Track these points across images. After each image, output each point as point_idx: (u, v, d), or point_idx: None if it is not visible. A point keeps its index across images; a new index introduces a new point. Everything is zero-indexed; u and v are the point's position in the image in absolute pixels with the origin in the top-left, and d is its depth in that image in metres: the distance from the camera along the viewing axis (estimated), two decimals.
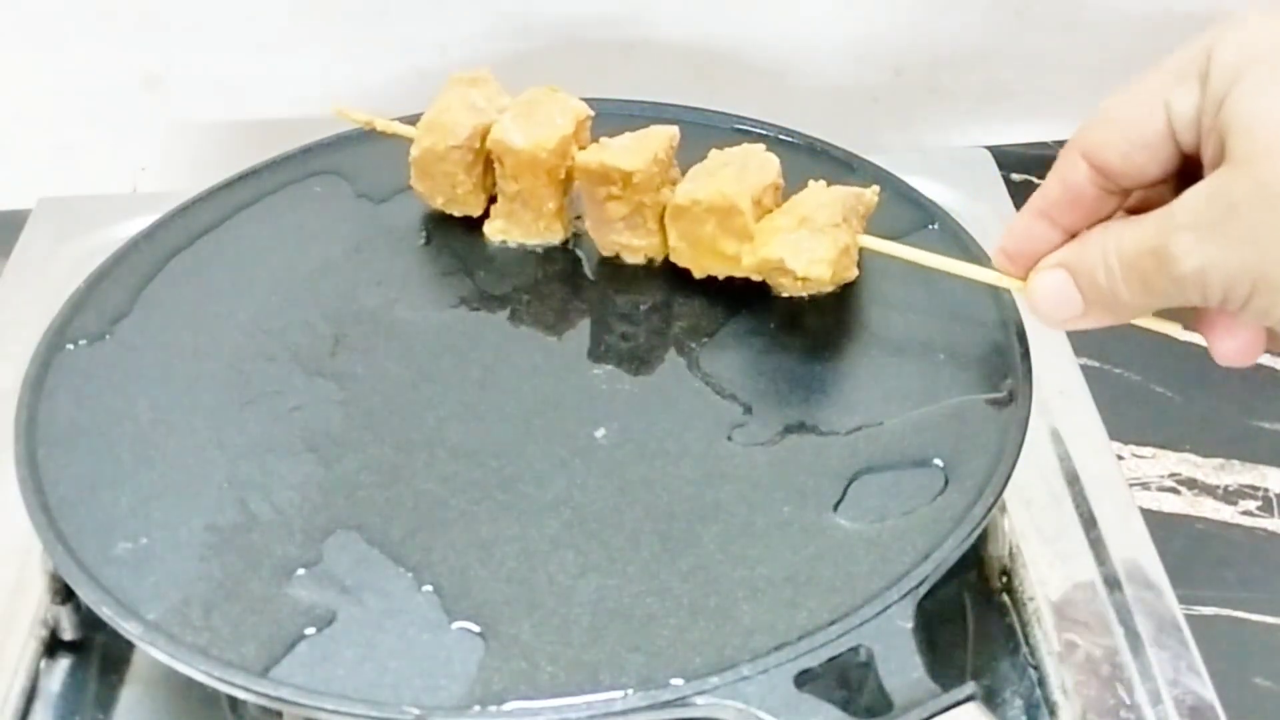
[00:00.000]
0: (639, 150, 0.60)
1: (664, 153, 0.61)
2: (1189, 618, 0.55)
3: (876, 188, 0.60)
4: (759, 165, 0.59)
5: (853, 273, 0.59)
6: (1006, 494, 0.52)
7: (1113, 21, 0.83)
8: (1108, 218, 0.47)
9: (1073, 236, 0.48)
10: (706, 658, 0.46)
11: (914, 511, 0.50)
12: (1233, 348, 0.46)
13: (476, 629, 0.47)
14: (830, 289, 0.59)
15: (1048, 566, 0.56)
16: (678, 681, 0.45)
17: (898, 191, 0.64)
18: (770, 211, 0.59)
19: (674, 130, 0.61)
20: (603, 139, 0.62)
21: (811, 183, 0.59)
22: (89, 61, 0.80)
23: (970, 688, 0.43)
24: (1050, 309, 0.48)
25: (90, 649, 0.55)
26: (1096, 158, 0.46)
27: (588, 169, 0.60)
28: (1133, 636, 0.54)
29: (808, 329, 0.58)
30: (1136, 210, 0.46)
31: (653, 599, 0.48)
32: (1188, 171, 0.45)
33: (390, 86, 0.81)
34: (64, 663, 0.55)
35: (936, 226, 0.63)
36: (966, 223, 0.63)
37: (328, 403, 0.56)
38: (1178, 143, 0.44)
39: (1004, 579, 0.57)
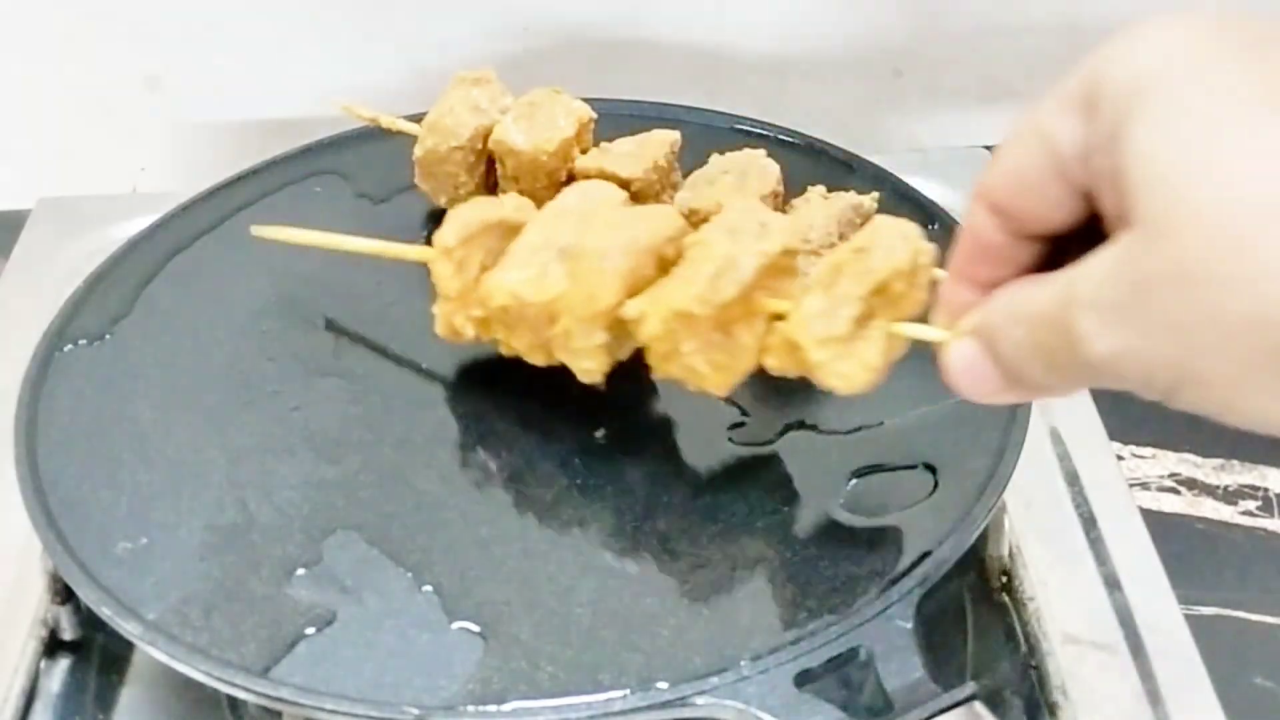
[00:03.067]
0: (639, 157, 0.60)
1: (664, 159, 0.61)
2: (1189, 618, 0.55)
3: (875, 194, 0.60)
4: (759, 173, 0.59)
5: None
6: (1006, 494, 0.52)
7: (1112, 24, 0.83)
8: (1040, 268, 0.39)
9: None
10: (706, 658, 0.46)
11: (914, 511, 0.50)
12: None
13: (476, 629, 0.47)
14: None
15: (1048, 566, 0.56)
16: (678, 682, 0.45)
17: (898, 191, 0.64)
18: None
19: (675, 135, 0.61)
20: (603, 144, 0.62)
21: (810, 190, 0.60)
22: (89, 62, 0.80)
23: (970, 688, 0.43)
24: (964, 386, 0.40)
25: (90, 649, 0.55)
26: (990, 201, 0.39)
27: (587, 174, 0.60)
28: (1133, 636, 0.54)
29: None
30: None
31: (653, 599, 0.48)
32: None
33: (390, 86, 0.81)
34: (64, 663, 0.55)
35: (936, 226, 0.63)
36: None
37: (328, 403, 0.56)
38: (1070, 184, 0.37)
39: (1004, 579, 0.57)
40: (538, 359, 0.53)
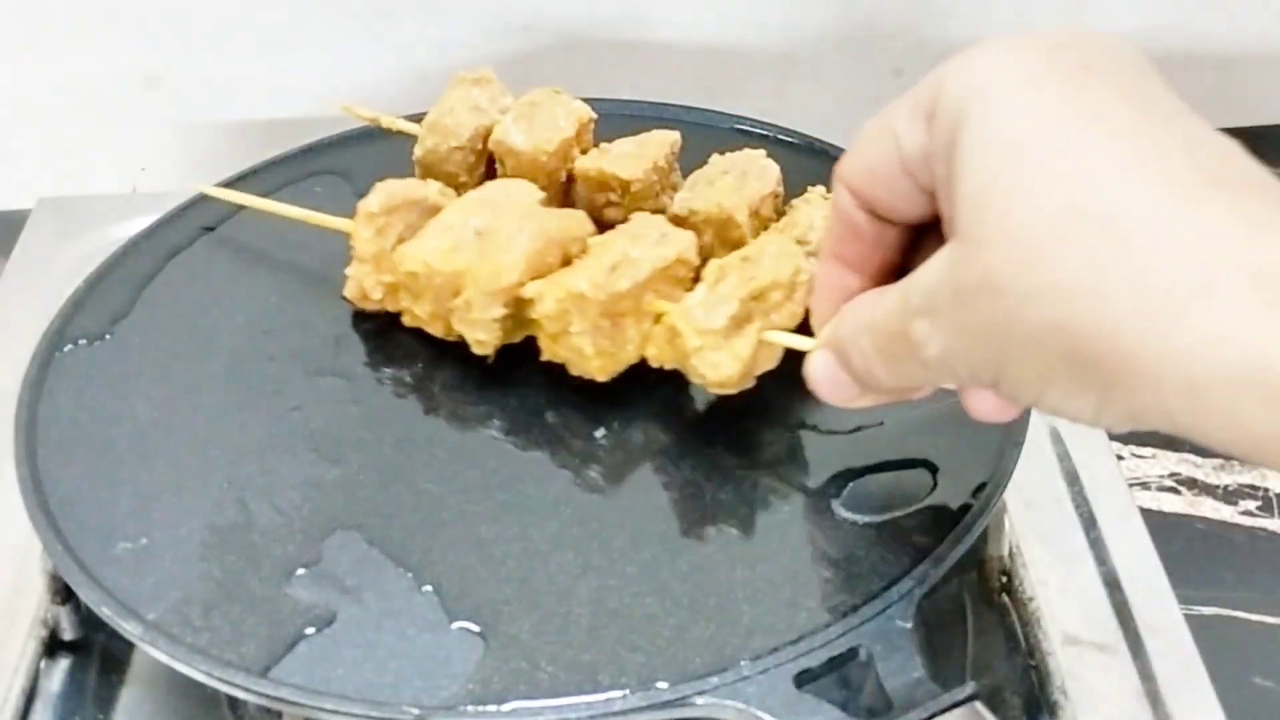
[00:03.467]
0: (639, 158, 0.60)
1: (664, 159, 0.61)
2: (1189, 618, 0.55)
3: None
4: (758, 173, 0.59)
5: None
6: (1006, 494, 0.52)
7: (1112, 27, 0.83)
8: (905, 251, 0.43)
9: (873, 280, 0.44)
10: (706, 658, 0.46)
11: (914, 511, 0.50)
12: (986, 409, 0.42)
13: (476, 629, 0.47)
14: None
15: (1048, 566, 0.56)
16: (678, 682, 0.45)
17: None
18: (767, 222, 0.59)
19: (675, 136, 0.61)
20: (603, 144, 0.62)
21: (810, 190, 0.60)
22: (89, 61, 0.80)
23: (970, 688, 0.43)
24: (827, 394, 0.45)
25: (90, 649, 0.55)
26: (851, 185, 0.42)
27: (586, 175, 0.60)
28: (1133, 636, 0.54)
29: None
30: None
31: (653, 599, 0.48)
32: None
33: (391, 86, 0.81)
34: (64, 663, 0.55)
35: None
36: None
37: (328, 403, 0.56)
38: (916, 183, 0.40)
39: (1004, 579, 0.57)
40: (437, 329, 0.57)
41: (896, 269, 0.44)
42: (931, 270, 0.37)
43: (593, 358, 0.53)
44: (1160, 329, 0.33)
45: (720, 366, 0.51)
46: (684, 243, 0.55)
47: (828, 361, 0.44)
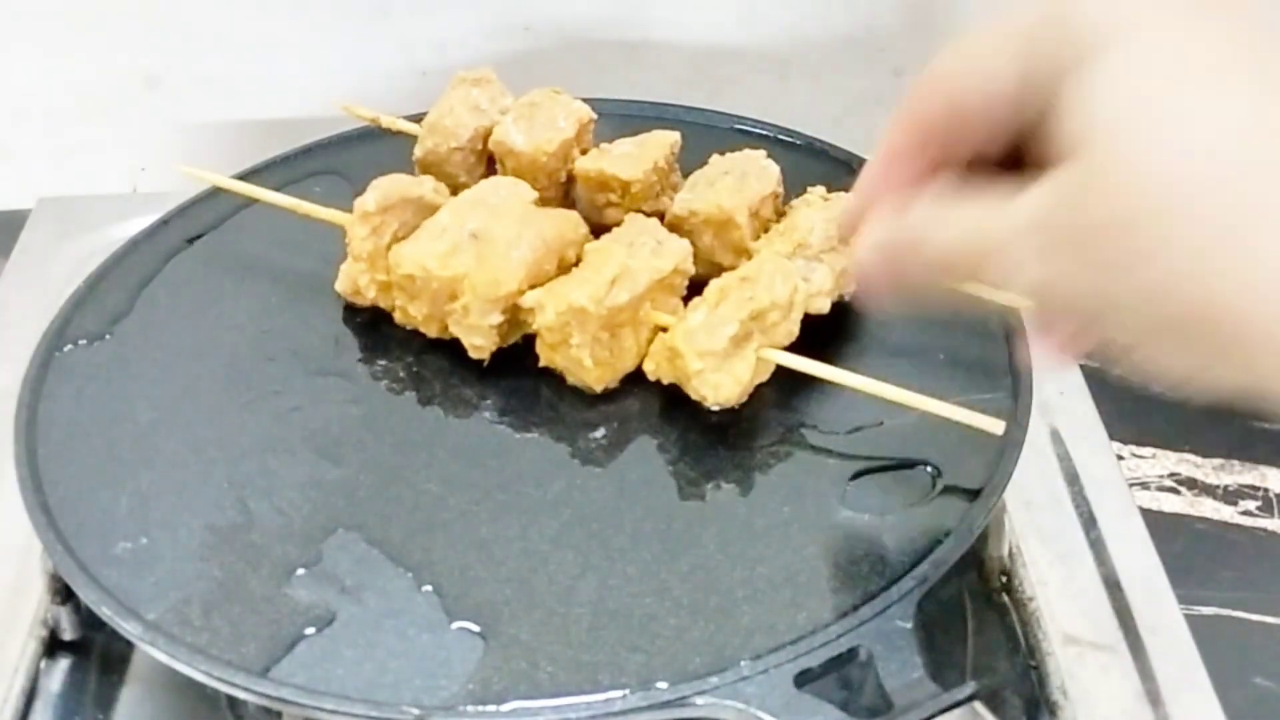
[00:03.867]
0: (639, 158, 0.60)
1: (664, 160, 0.61)
2: (1189, 618, 0.55)
3: None
4: (759, 174, 0.59)
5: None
6: (1006, 494, 0.52)
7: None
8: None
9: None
10: (706, 658, 0.46)
11: (914, 512, 0.50)
12: (1052, 343, 0.41)
13: (476, 629, 0.47)
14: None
15: (1048, 566, 0.56)
16: (678, 682, 0.45)
17: None
18: (768, 223, 0.59)
19: (675, 136, 0.61)
20: (603, 145, 0.62)
21: (810, 190, 0.60)
22: (89, 61, 0.80)
23: (970, 688, 0.43)
24: (877, 281, 0.42)
25: (90, 649, 0.55)
26: (947, 92, 0.39)
27: (586, 176, 0.60)
28: (1133, 636, 0.54)
29: (808, 330, 0.58)
30: None
31: (652, 599, 0.48)
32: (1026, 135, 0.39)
33: (390, 86, 0.81)
34: (64, 663, 0.55)
35: None
36: None
37: (328, 403, 0.56)
38: (1022, 108, 0.38)
39: (1004, 579, 0.57)
40: (431, 329, 0.57)
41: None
42: (1049, 192, 0.35)
43: (591, 369, 0.54)
44: None
45: (721, 388, 0.52)
46: (680, 253, 0.56)
47: (882, 254, 0.41)
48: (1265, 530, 0.62)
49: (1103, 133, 0.34)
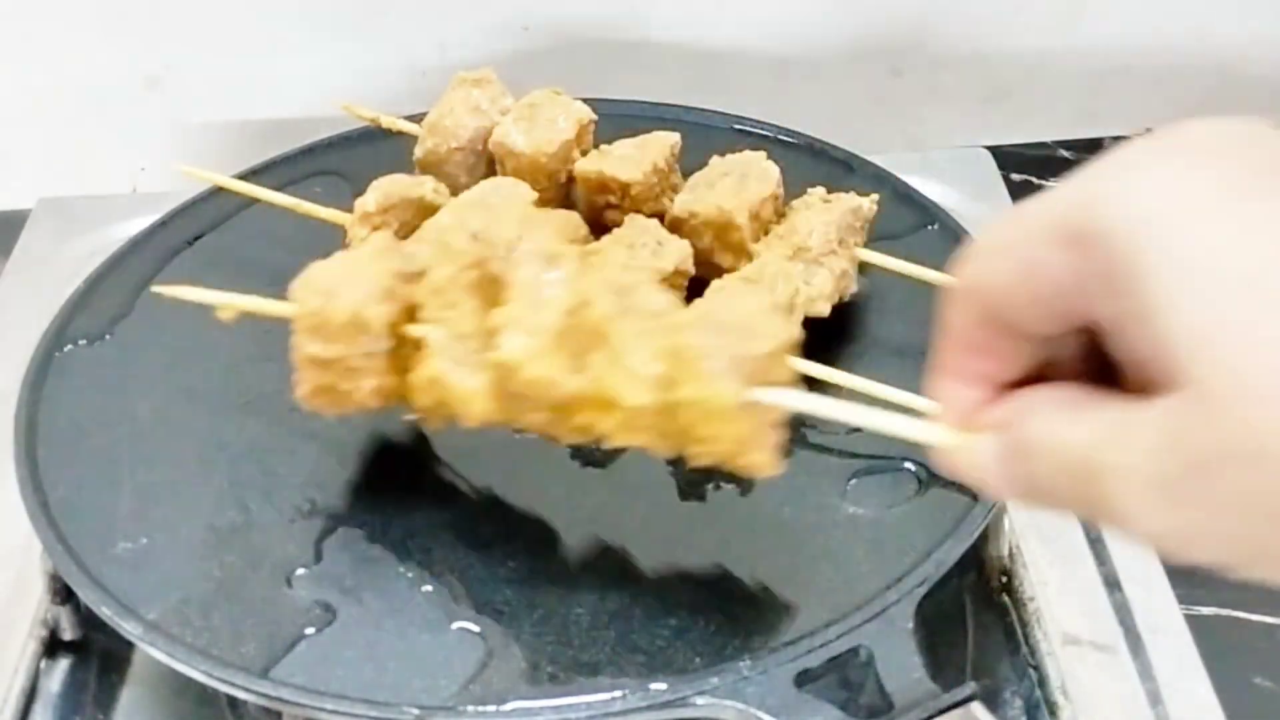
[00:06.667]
0: (639, 160, 0.60)
1: (664, 161, 0.61)
2: (1189, 618, 0.55)
3: (875, 196, 0.60)
4: (759, 175, 0.59)
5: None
6: None
7: (1113, 27, 0.83)
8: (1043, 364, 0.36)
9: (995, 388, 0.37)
10: (706, 658, 0.46)
11: (914, 511, 0.50)
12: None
13: (476, 629, 0.47)
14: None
15: (1048, 566, 0.56)
16: (678, 682, 0.45)
17: (897, 192, 0.64)
18: (768, 225, 0.59)
19: (674, 137, 0.61)
20: (603, 146, 0.62)
21: (810, 191, 0.60)
22: (89, 61, 0.80)
23: (970, 688, 0.43)
24: (972, 479, 0.37)
25: (90, 649, 0.55)
26: (982, 306, 0.35)
27: (586, 177, 0.60)
28: (1133, 636, 0.54)
29: (807, 331, 0.58)
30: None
31: (652, 599, 0.48)
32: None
33: (390, 86, 0.81)
34: (64, 663, 0.55)
35: (936, 226, 0.63)
36: (966, 223, 0.63)
37: None
38: (1062, 314, 0.33)
39: (1004, 579, 0.57)
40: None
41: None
42: (1148, 431, 0.30)
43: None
44: None
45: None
46: (680, 254, 0.55)
47: (993, 451, 0.36)
48: None
49: (1194, 343, 0.29)
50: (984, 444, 0.36)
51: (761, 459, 0.44)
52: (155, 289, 0.59)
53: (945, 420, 0.37)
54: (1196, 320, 0.29)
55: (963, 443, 0.37)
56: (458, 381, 0.47)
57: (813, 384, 0.54)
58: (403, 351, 0.49)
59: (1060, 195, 0.32)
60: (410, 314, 0.49)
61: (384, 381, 0.49)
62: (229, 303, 0.53)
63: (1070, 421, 0.33)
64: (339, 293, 0.49)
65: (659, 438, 0.45)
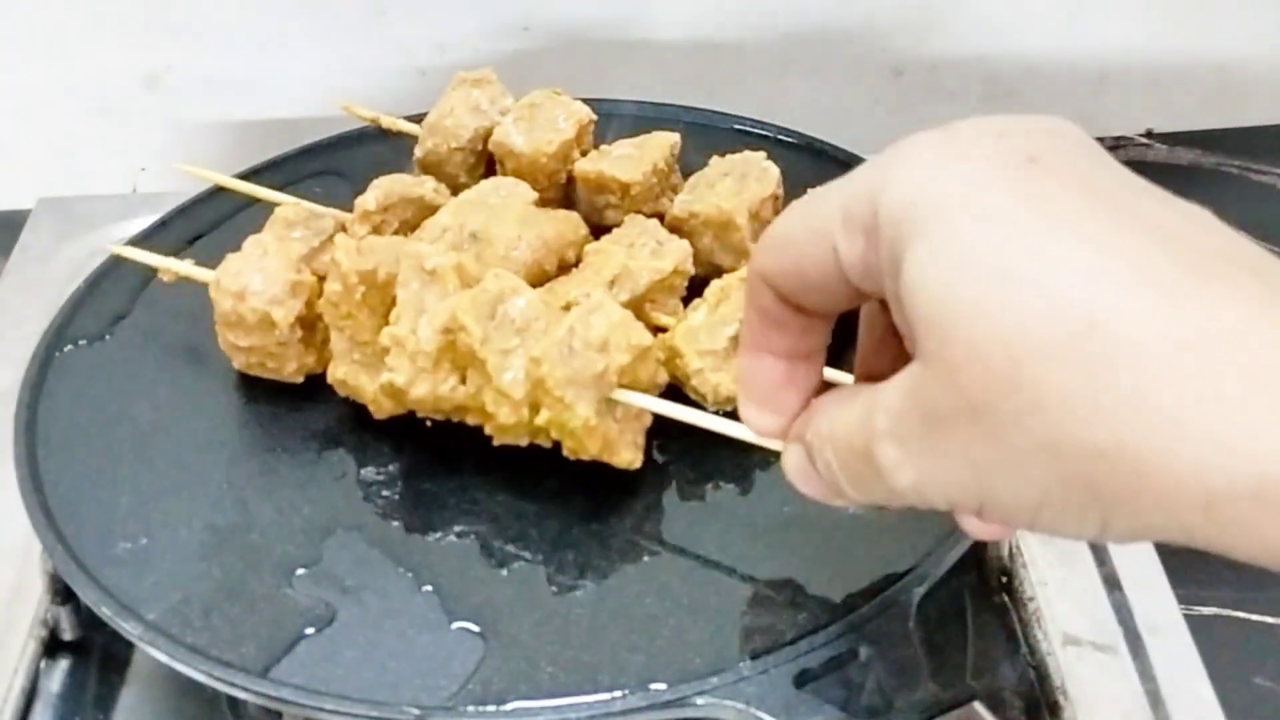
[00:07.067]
0: (638, 160, 0.60)
1: (664, 161, 0.61)
2: (1189, 618, 0.55)
3: None
4: (758, 175, 0.59)
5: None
6: None
7: (1112, 26, 0.83)
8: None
9: (805, 361, 0.40)
10: (706, 658, 0.46)
11: (914, 511, 0.50)
12: (976, 528, 0.39)
13: (476, 629, 0.47)
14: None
15: (1048, 566, 0.56)
16: (678, 682, 0.45)
17: None
18: (768, 225, 0.59)
19: (674, 137, 0.61)
20: (603, 146, 0.62)
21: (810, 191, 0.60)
22: (89, 61, 0.80)
23: (970, 688, 0.43)
24: (799, 486, 0.40)
25: (90, 649, 0.55)
26: (778, 287, 0.38)
27: (586, 177, 0.60)
28: (1133, 636, 0.54)
29: None
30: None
31: (653, 599, 0.48)
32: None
33: (390, 86, 0.81)
34: (64, 663, 0.55)
35: None
36: None
37: (328, 402, 0.56)
38: (855, 289, 0.36)
39: (1004, 579, 0.57)
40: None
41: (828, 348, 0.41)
42: (896, 393, 0.34)
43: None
44: (1168, 444, 0.30)
45: (721, 388, 0.52)
46: (680, 254, 0.56)
47: (800, 458, 0.40)
48: None
49: (932, 320, 0.32)
50: (792, 450, 0.40)
51: (627, 456, 0.50)
52: (115, 250, 0.61)
53: (749, 395, 0.42)
54: (935, 296, 0.32)
55: (784, 450, 0.41)
56: (362, 385, 0.53)
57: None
58: (319, 330, 0.55)
59: (845, 186, 0.36)
60: (321, 288, 0.54)
61: (303, 362, 0.55)
62: (170, 266, 0.58)
63: (843, 406, 0.37)
64: (246, 295, 0.53)
65: (540, 440, 0.50)
